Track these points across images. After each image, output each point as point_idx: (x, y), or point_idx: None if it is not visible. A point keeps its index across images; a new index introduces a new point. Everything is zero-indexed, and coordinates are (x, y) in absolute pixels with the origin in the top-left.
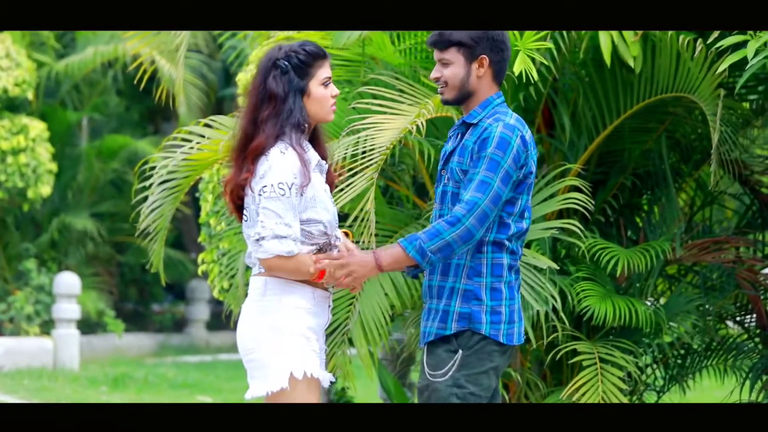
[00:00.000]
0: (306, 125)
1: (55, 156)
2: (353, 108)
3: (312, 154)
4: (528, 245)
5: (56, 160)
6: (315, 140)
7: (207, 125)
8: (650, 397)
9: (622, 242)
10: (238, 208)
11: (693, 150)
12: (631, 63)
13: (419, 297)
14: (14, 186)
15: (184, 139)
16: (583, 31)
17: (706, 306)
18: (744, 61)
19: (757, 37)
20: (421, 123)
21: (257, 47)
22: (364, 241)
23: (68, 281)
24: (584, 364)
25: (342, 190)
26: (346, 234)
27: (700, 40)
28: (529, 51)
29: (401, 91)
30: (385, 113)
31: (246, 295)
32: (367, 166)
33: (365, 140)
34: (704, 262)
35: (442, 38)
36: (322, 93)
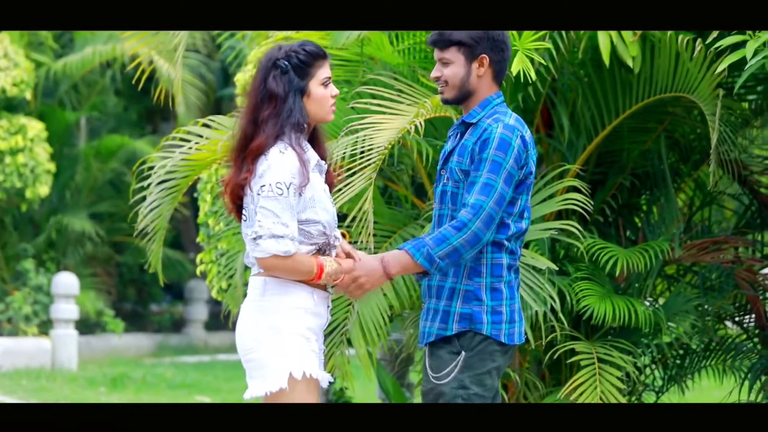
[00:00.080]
0: (306, 125)
1: (53, 156)
2: (352, 108)
3: (311, 154)
4: (526, 246)
5: (54, 160)
6: (314, 140)
7: (205, 125)
8: (649, 398)
9: (621, 242)
10: (238, 208)
11: (692, 150)
12: (630, 63)
13: (418, 297)
14: (12, 186)
15: (182, 139)
16: (582, 31)
17: (705, 306)
18: (743, 61)
19: (756, 37)
20: (420, 123)
21: (256, 47)
22: (362, 241)
23: (66, 281)
24: (582, 363)
25: (340, 190)
26: (343, 235)
27: (699, 40)
28: (527, 51)
29: (400, 91)
30: (383, 113)
31: (245, 295)
32: (365, 166)
33: (363, 140)
34: (703, 262)
35: (442, 37)
36: (322, 93)
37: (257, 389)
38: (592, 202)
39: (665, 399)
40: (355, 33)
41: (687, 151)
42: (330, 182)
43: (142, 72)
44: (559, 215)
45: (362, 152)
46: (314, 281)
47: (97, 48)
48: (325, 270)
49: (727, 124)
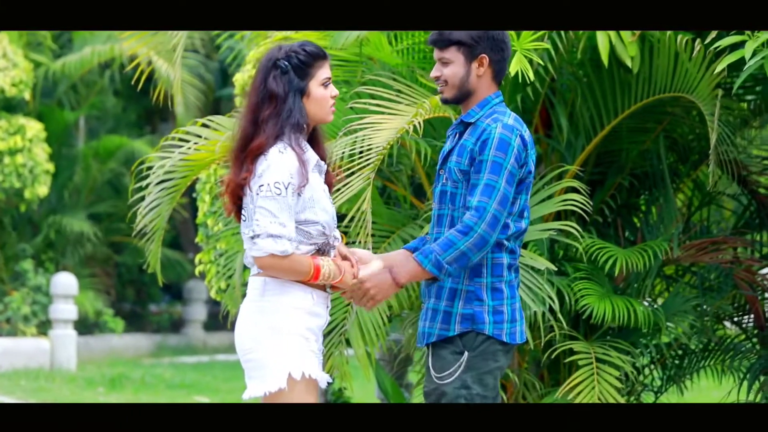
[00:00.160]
0: (305, 125)
1: (52, 156)
2: (351, 108)
3: (311, 155)
4: (525, 246)
5: (53, 160)
6: (314, 141)
7: (204, 125)
8: (648, 398)
9: (619, 243)
10: (238, 208)
11: (691, 150)
12: (629, 63)
13: (416, 298)
14: (11, 186)
15: (181, 139)
16: (581, 31)
17: (704, 306)
18: (742, 61)
19: (755, 37)
20: (419, 123)
21: (255, 48)
22: (360, 242)
23: (65, 282)
24: (580, 363)
25: (339, 190)
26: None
27: (698, 40)
28: (526, 51)
29: (398, 91)
30: (382, 113)
31: (244, 295)
32: (364, 166)
33: (362, 140)
34: (702, 262)
35: (442, 37)
36: (321, 93)
37: (256, 389)
38: (591, 203)
39: (664, 399)
40: (354, 33)
41: (686, 152)
42: (329, 183)
43: (141, 72)
44: (558, 216)
45: (361, 152)
46: (311, 282)
47: (95, 48)
48: (322, 271)
49: (725, 125)
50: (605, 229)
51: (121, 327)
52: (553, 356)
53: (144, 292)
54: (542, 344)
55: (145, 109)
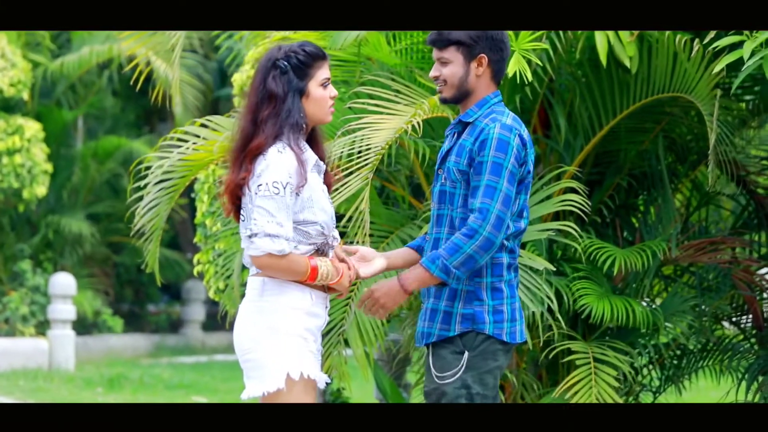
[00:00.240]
0: (304, 126)
1: (50, 156)
2: (349, 108)
3: (309, 155)
4: (524, 246)
5: (51, 160)
6: (313, 141)
7: (203, 125)
8: (646, 398)
9: (618, 243)
10: (237, 208)
11: (689, 150)
12: (627, 63)
13: (415, 298)
14: (9, 186)
15: (180, 139)
16: (579, 32)
17: (702, 306)
18: (740, 61)
19: (753, 37)
20: (417, 123)
21: (253, 48)
22: (358, 242)
23: (63, 282)
24: (578, 363)
25: (337, 190)
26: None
27: (696, 40)
28: (524, 52)
29: (397, 91)
30: (380, 113)
31: (242, 295)
32: (362, 166)
33: (361, 140)
34: (700, 262)
35: (441, 37)
36: (321, 94)
37: (255, 389)
38: (589, 203)
39: (662, 399)
40: (353, 34)
41: (684, 152)
42: (328, 183)
43: (140, 72)
44: (557, 216)
45: (359, 152)
46: (308, 282)
47: (94, 48)
48: (320, 271)
49: (724, 125)
50: (604, 230)
51: (119, 325)
52: (550, 356)
53: (142, 292)
54: (541, 344)
55: (143, 109)
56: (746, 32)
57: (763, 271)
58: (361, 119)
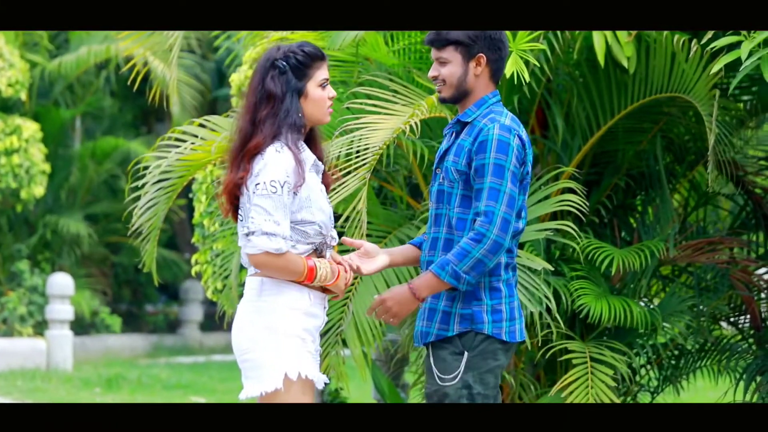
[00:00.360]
0: (303, 126)
1: (48, 157)
2: (347, 108)
3: (308, 155)
4: (522, 246)
5: (49, 160)
6: (312, 141)
7: (201, 125)
8: (644, 398)
9: (616, 243)
10: (235, 208)
11: (687, 151)
12: (625, 63)
13: None
14: (7, 187)
15: (177, 139)
16: (577, 32)
17: (700, 307)
18: (738, 61)
19: (750, 37)
20: (415, 123)
21: (251, 48)
22: None
23: (61, 282)
24: (574, 362)
25: (335, 189)
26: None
27: (694, 41)
28: (521, 52)
29: (395, 91)
30: (378, 113)
31: (240, 295)
32: (360, 166)
33: (359, 140)
34: (698, 262)
35: (439, 37)
36: (319, 94)
37: (253, 390)
38: (587, 203)
39: (660, 399)
40: (351, 34)
41: (682, 152)
42: (327, 183)
43: (137, 73)
44: (554, 216)
45: (357, 152)
46: (305, 282)
47: (92, 48)
48: (318, 272)
49: (722, 125)
50: (602, 230)
51: (118, 324)
52: (547, 356)
53: (140, 292)
54: (539, 344)
55: (141, 109)
56: (744, 32)
57: (761, 271)
58: (359, 119)
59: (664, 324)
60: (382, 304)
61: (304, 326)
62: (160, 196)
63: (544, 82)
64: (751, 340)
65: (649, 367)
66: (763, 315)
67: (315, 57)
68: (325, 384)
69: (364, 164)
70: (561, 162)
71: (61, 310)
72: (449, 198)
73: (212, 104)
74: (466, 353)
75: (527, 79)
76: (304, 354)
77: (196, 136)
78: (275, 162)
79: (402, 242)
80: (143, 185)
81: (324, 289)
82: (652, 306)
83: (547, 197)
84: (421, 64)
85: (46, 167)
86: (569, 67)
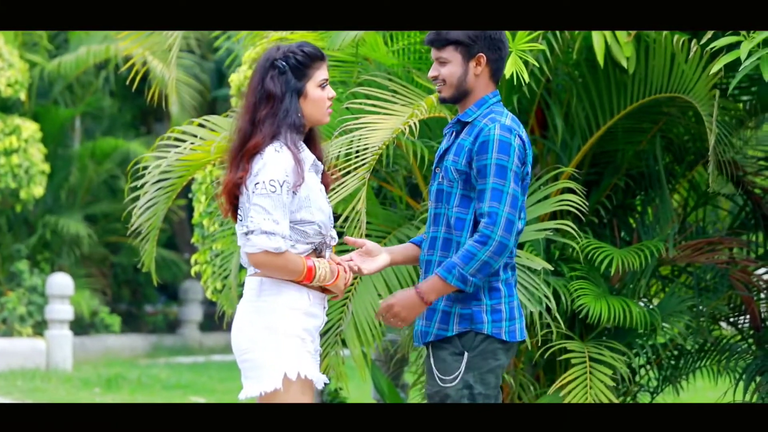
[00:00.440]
0: (302, 126)
1: (47, 157)
2: (347, 108)
3: (307, 154)
4: (522, 246)
5: (49, 160)
6: (311, 141)
7: (200, 125)
8: (644, 398)
9: (615, 243)
10: (234, 208)
11: (686, 151)
12: (625, 63)
13: None
14: (7, 187)
15: (177, 139)
16: (577, 32)
17: (700, 307)
18: (737, 61)
19: (750, 37)
20: (414, 123)
21: (251, 48)
22: None
23: (61, 282)
24: (573, 362)
25: (334, 189)
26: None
27: (694, 41)
28: (520, 52)
29: (394, 91)
30: (378, 113)
31: (240, 295)
32: (359, 166)
33: (358, 140)
34: (698, 262)
35: (439, 37)
36: (318, 95)
37: (252, 390)
38: (586, 203)
39: (660, 399)
40: (350, 34)
41: (681, 152)
42: (326, 183)
43: (136, 73)
44: (554, 216)
45: (357, 152)
46: (304, 282)
47: (91, 48)
48: (318, 272)
49: (722, 125)
50: (601, 230)
51: (117, 324)
52: (546, 356)
53: (140, 292)
54: (538, 344)
55: (140, 109)
56: (743, 32)
57: (760, 271)
58: (359, 119)
59: (664, 324)
60: (390, 310)
61: (303, 326)
62: (160, 196)
63: (543, 83)
64: (750, 341)
65: (648, 367)
66: (762, 315)
67: (314, 57)
68: (325, 384)
69: (364, 164)
70: (560, 162)
71: (61, 310)
72: (448, 197)
73: (212, 104)
74: (466, 354)
75: (527, 79)
76: (303, 354)
77: (196, 136)
78: (274, 161)
79: (401, 242)
80: (143, 185)
81: (323, 289)
82: (651, 306)
83: (546, 197)
84: (421, 64)
85: (46, 167)
86: (569, 67)
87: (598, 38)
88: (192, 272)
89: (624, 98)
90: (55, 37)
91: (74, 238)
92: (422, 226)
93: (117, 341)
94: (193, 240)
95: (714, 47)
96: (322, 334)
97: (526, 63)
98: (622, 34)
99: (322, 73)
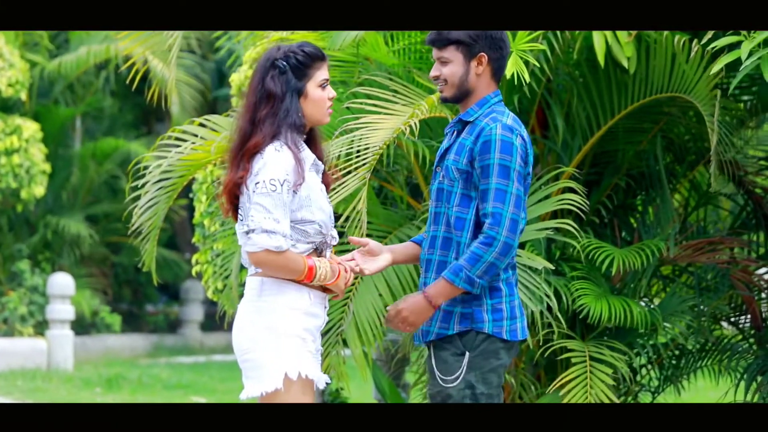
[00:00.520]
0: (302, 126)
1: (48, 157)
2: (347, 108)
3: (307, 154)
4: (523, 246)
5: (50, 160)
6: (312, 141)
7: (201, 125)
8: (645, 398)
9: (616, 243)
10: (235, 207)
11: (687, 151)
12: (625, 63)
13: None
14: (8, 187)
15: (178, 139)
16: (577, 32)
17: (701, 306)
18: (738, 61)
19: (750, 37)
20: (415, 123)
21: (251, 48)
22: None
23: (62, 282)
24: (574, 361)
25: (334, 189)
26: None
27: (695, 41)
28: (521, 52)
29: (395, 91)
30: (378, 113)
31: (241, 295)
32: (360, 166)
33: (359, 140)
34: (699, 262)
35: (440, 36)
36: (319, 95)
37: (253, 389)
38: (587, 203)
39: (661, 399)
40: (351, 34)
41: (682, 152)
42: (327, 183)
43: (137, 72)
44: (555, 216)
45: (357, 152)
46: (304, 281)
47: (92, 48)
48: (318, 272)
49: (722, 125)
50: (602, 230)
51: (118, 324)
52: (546, 355)
53: (141, 292)
54: (539, 343)
55: (141, 109)
56: (744, 32)
57: (761, 271)
58: (359, 119)
59: (665, 324)
60: (399, 315)
61: (304, 326)
62: (161, 195)
63: (544, 82)
64: (751, 340)
65: (649, 367)
66: (763, 315)
67: (315, 57)
68: (326, 384)
69: (364, 164)
70: (561, 162)
71: (62, 310)
72: (449, 197)
73: (212, 104)
74: (467, 353)
75: (527, 79)
76: (304, 354)
77: (197, 136)
78: (275, 161)
79: (402, 242)
80: (143, 185)
81: (324, 289)
82: (652, 306)
83: (547, 197)
84: (421, 64)
85: (47, 167)
86: (569, 67)
87: (598, 38)
88: (193, 272)
89: (625, 98)
90: (56, 37)
91: (75, 238)
92: (423, 226)
93: (118, 341)
94: (194, 240)
95: (715, 47)
96: (323, 334)
97: (526, 63)
98: (622, 34)
99: (322, 73)
